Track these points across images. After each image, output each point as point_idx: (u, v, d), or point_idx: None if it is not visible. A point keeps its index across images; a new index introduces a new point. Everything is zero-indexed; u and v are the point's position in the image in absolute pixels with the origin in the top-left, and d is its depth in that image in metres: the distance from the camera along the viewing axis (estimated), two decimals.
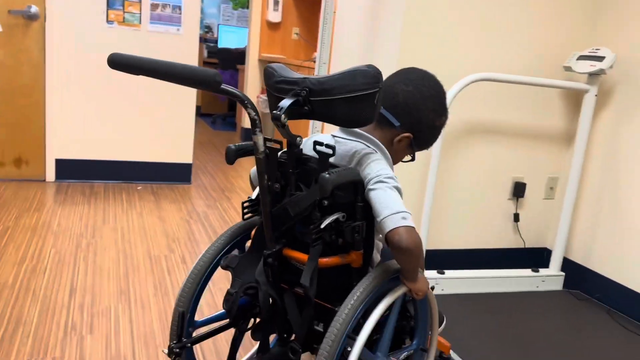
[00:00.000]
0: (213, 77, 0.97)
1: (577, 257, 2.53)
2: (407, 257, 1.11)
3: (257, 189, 1.31)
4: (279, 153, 1.17)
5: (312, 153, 1.16)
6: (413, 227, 1.09)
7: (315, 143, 1.14)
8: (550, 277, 2.47)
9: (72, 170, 3.55)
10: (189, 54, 3.63)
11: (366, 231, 1.16)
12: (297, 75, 1.14)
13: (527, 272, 2.45)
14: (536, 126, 2.50)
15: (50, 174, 3.52)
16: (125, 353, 1.72)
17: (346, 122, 1.16)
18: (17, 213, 2.86)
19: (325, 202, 1.12)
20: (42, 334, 1.78)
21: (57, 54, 3.38)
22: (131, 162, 3.67)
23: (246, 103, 1.05)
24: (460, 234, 2.49)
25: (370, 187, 1.13)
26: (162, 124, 3.69)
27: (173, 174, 3.78)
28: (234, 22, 7.83)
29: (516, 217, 2.56)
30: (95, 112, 3.53)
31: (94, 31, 3.43)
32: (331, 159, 1.16)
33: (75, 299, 2.02)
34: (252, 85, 5.72)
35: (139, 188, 3.58)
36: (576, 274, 2.50)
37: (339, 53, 2.68)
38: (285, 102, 1.09)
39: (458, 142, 2.36)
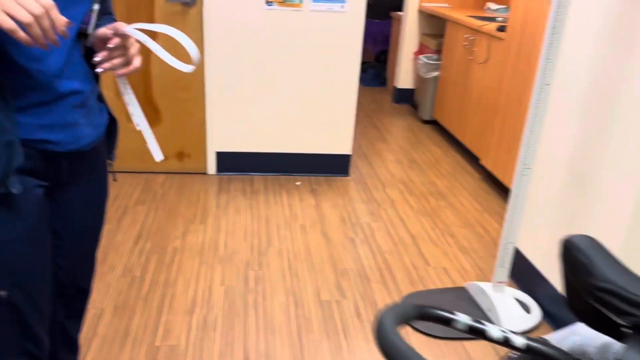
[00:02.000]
0: None
1: None
2: None
3: None
4: None
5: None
6: None
7: None
8: None
9: (231, 163, 3.43)
10: (353, 35, 3.22)
11: None
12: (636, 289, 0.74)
13: None
14: None
15: (212, 166, 3.42)
16: None
17: None
18: (183, 225, 2.80)
19: None
20: None
21: (215, 41, 3.15)
22: (290, 154, 3.45)
23: None
24: None
25: None
26: (323, 116, 3.39)
27: (331, 166, 3.52)
28: None
29: None
30: (253, 102, 3.30)
31: (252, 14, 3.12)
32: None
33: None
34: (409, 40, 5.16)
35: (297, 183, 3.37)
36: None
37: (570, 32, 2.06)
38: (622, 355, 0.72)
39: None
